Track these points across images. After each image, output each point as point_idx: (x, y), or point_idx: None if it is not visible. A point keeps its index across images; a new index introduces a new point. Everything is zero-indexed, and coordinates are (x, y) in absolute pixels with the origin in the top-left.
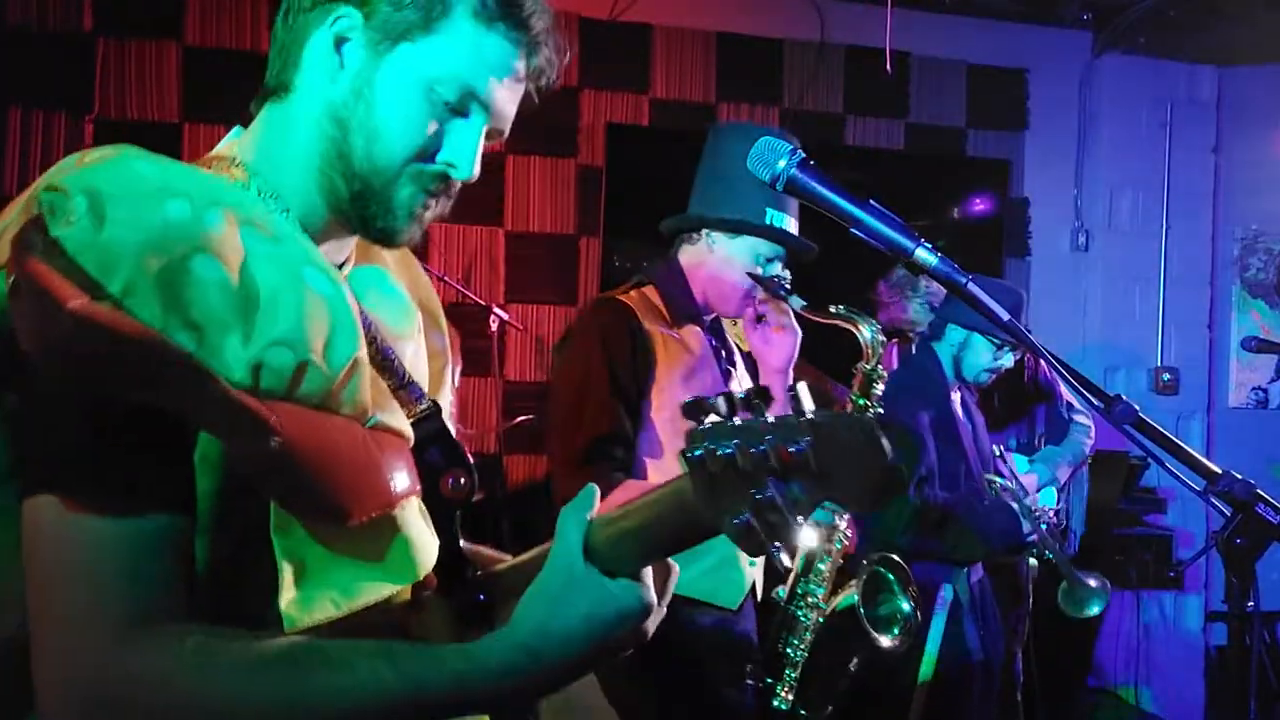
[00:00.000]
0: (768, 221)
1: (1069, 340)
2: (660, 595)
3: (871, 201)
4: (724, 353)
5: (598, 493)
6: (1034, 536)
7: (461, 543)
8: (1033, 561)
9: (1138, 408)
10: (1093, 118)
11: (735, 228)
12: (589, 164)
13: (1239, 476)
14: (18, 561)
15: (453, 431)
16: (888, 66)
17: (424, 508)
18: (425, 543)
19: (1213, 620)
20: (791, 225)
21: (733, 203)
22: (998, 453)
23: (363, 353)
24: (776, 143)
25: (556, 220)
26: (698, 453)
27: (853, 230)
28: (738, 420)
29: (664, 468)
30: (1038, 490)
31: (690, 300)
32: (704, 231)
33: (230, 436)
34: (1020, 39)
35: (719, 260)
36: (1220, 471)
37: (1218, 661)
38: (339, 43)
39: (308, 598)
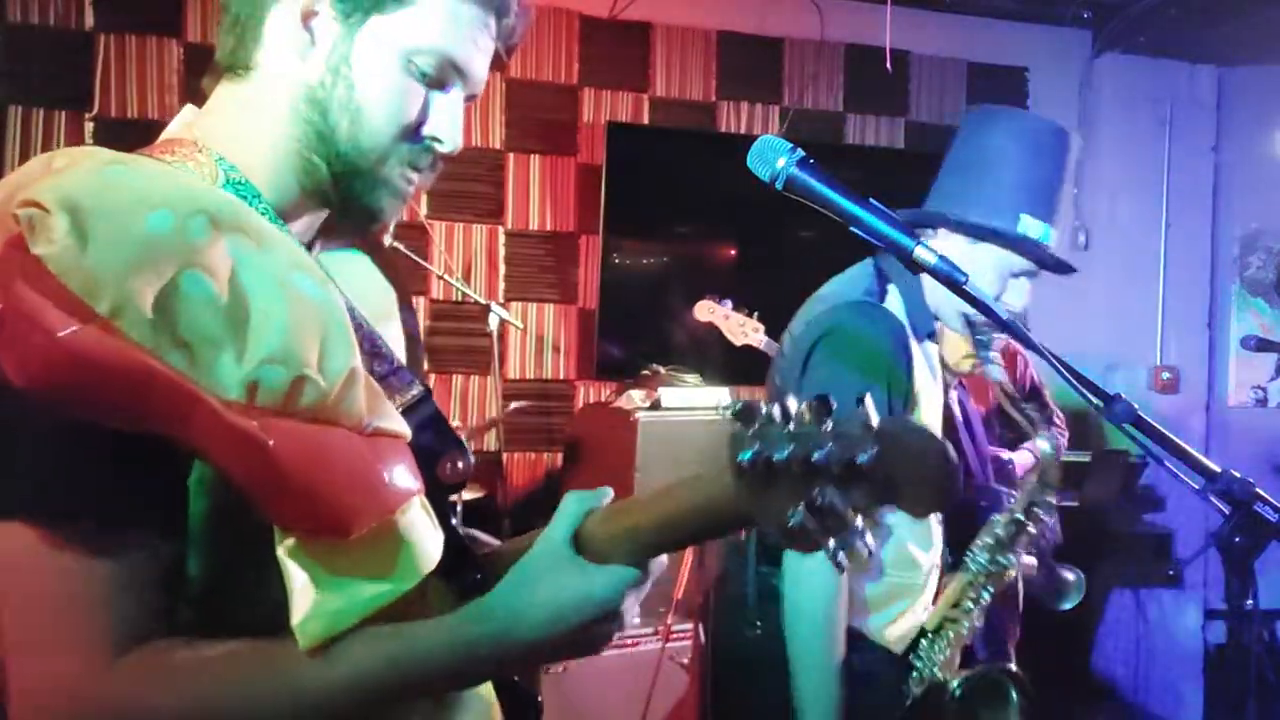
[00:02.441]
0: (1020, 230)
1: (1069, 339)
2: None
3: (871, 200)
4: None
5: (610, 494)
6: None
7: (457, 524)
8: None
9: (1137, 406)
10: (1092, 117)
11: (977, 233)
12: (589, 162)
13: (1238, 475)
14: None
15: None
16: (888, 65)
17: (426, 502)
18: (429, 541)
19: (1211, 619)
20: (1053, 235)
21: (981, 202)
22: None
23: (358, 360)
24: (776, 141)
25: (556, 219)
26: (748, 456)
27: (852, 229)
28: (791, 427)
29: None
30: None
31: (926, 311)
32: (940, 230)
33: (224, 461)
34: (1020, 38)
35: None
36: (1219, 470)
37: (1216, 660)
38: (306, 17)
39: (317, 613)
